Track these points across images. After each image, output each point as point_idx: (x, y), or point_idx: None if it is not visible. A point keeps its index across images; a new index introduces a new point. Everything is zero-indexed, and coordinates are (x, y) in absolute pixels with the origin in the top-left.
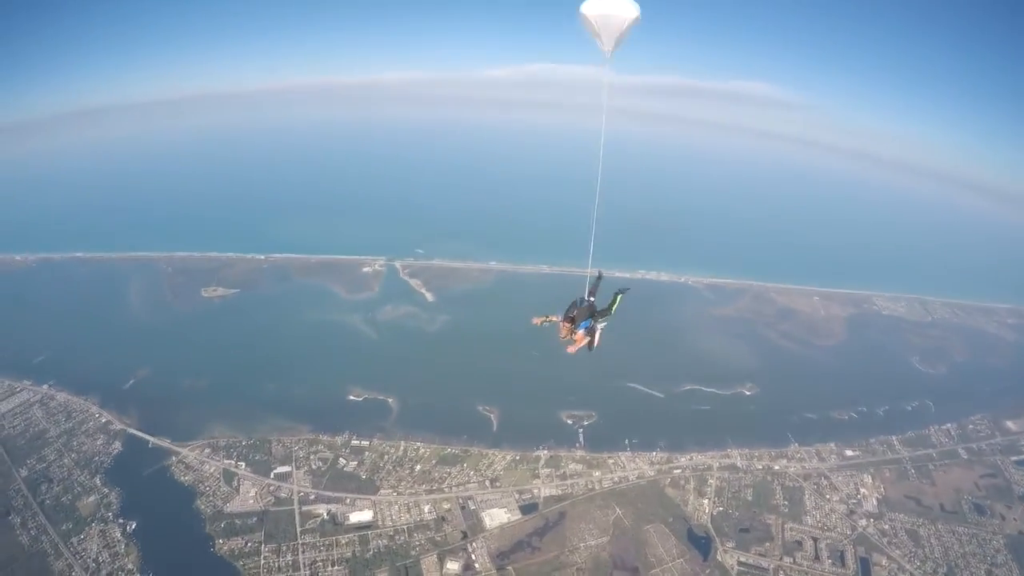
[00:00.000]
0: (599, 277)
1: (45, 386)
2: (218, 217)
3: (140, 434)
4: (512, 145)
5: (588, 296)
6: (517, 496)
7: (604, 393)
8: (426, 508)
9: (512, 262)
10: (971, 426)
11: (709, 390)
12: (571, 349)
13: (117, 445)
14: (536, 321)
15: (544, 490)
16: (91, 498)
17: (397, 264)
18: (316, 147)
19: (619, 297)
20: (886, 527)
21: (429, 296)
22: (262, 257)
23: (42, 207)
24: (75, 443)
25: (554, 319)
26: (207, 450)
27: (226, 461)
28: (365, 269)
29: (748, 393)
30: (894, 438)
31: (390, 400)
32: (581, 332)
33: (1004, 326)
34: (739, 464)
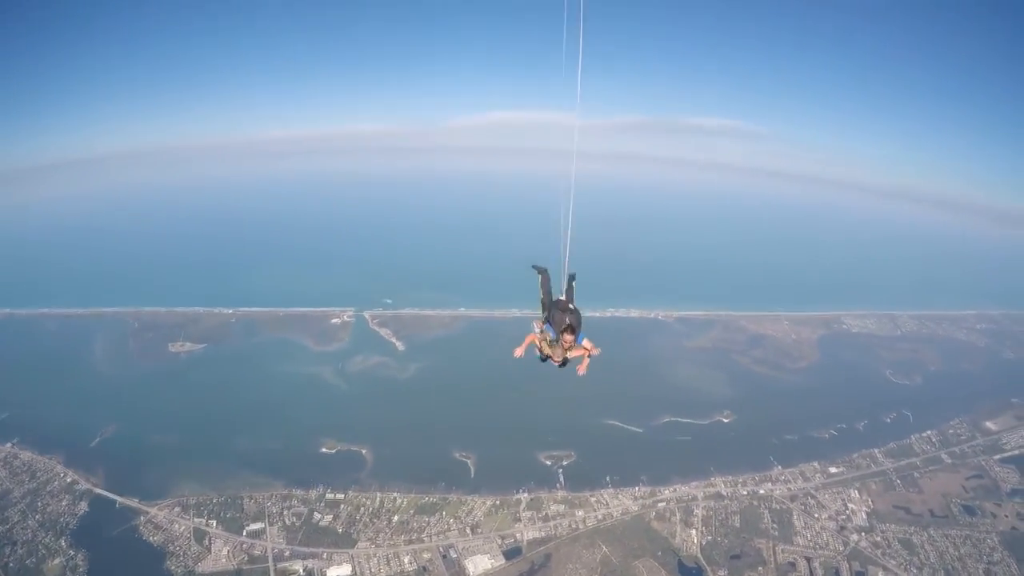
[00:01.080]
0: (573, 278)
1: (9, 445)
2: (185, 271)
3: (107, 493)
4: (478, 192)
5: (564, 298)
6: (500, 541)
7: (581, 431)
8: (406, 559)
9: (482, 308)
10: (951, 431)
11: (687, 421)
12: (582, 369)
13: (83, 505)
14: (518, 352)
15: (527, 533)
16: (57, 560)
17: (366, 314)
18: (281, 199)
19: (574, 285)
20: (878, 539)
21: (399, 345)
22: (229, 311)
23: (6, 261)
24: (40, 504)
25: (535, 338)
26: (176, 509)
27: (196, 520)
28: (334, 320)
29: (726, 421)
30: (876, 451)
31: (364, 451)
32: (586, 342)
33: (974, 332)
34: (724, 491)
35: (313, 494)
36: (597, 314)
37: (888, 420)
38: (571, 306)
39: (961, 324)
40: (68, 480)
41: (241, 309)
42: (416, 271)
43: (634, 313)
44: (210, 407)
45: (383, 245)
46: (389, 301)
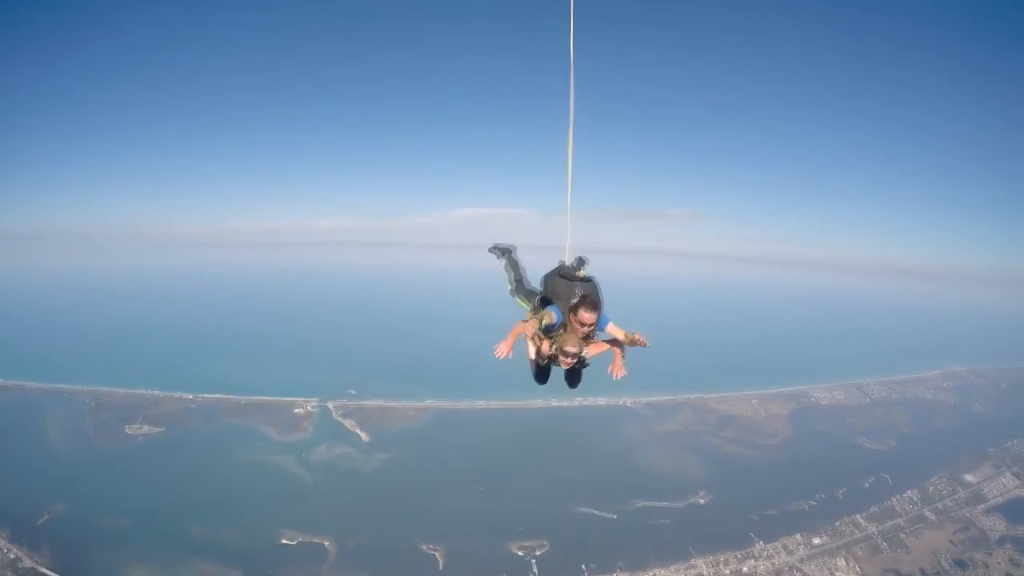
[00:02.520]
0: (583, 261)
1: None
2: (146, 353)
3: (51, 573)
4: (446, 285)
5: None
6: None
7: (553, 520)
8: None
9: (448, 399)
10: (932, 488)
11: (662, 504)
12: (618, 371)
13: None
14: (502, 350)
15: None
16: None
17: (330, 405)
18: (247, 288)
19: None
20: None
21: (364, 436)
22: (190, 396)
23: None
24: None
25: (528, 329)
26: None
27: None
28: (297, 410)
29: (702, 501)
30: (858, 516)
31: (326, 543)
32: (613, 326)
33: (941, 390)
34: (706, 572)
35: None
36: (564, 404)
37: (867, 485)
38: (582, 274)
39: (928, 384)
40: (11, 556)
41: (202, 395)
42: (381, 362)
43: (601, 401)
44: (165, 492)
45: (349, 336)
46: (353, 392)
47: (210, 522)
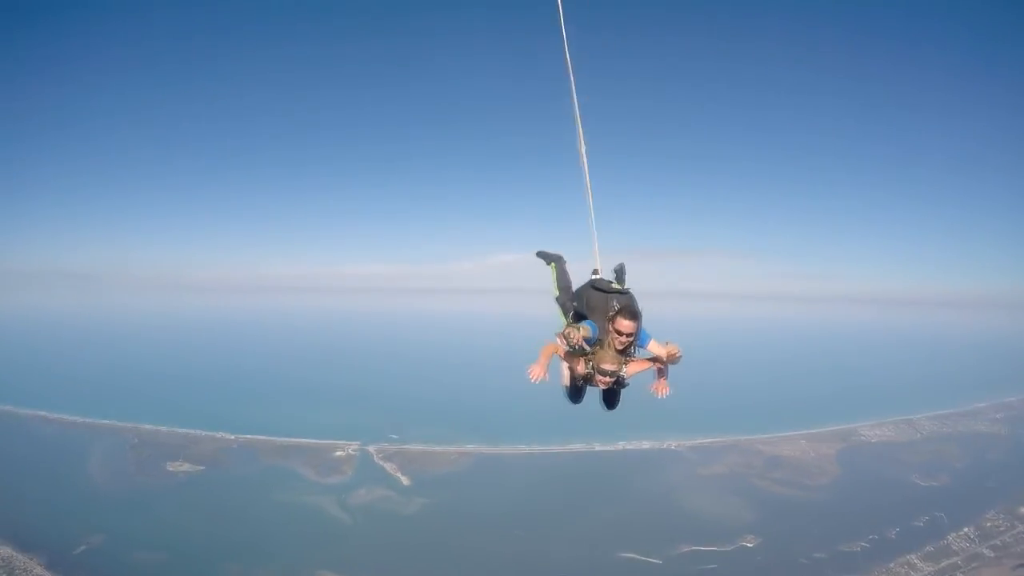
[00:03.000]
0: (621, 271)
1: None
2: (189, 393)
3: None
4: (484, 331)
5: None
6: None
7: (596, 565)
8: None
9: (491, 444)
10: (988, 524)
11: (709, 548)
12: (661, 389)
13: None
14: (537, 373)
15: None
16: None
17: (371, 448)
18: (285, 333)
19: (624, 279)
20: None
21: (405, 480)
22: (231, 436)
23: (12, 360)
24: None
25: (559, 349)
26: None
27: None
28: (337, 453)
29: (750, 545)
30: (913, 556)
31: None
32: (655, 345)
33: (994, 422)
34: None
35: None
36: (609, 447)
37: (921, 524)
38: (619, 286)
39: (980, 417)
40: None
41: (243, 436)
42: (424, 407)
43: (645, 444)
44: (203, 529)
45: (391, 381)
46: (395, 436)
47: (245, 561)
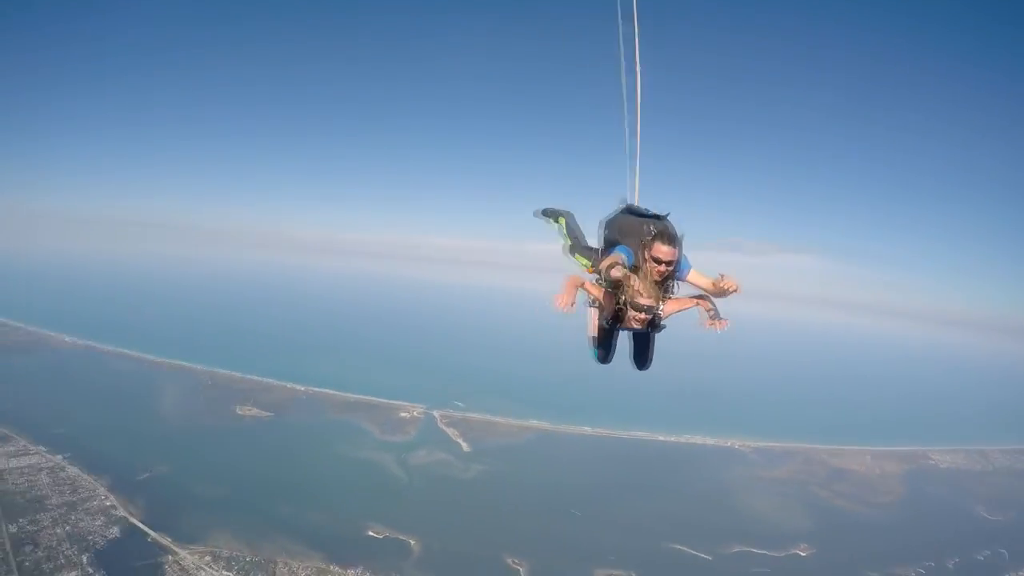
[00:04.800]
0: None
1: (59, 457)
2: (264, 344)
3: (142, 525)
4: (555, 312)
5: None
6: None
7: (644, 553)
8: None
9: (553, 422)
10: None
11: (760, 552)
12: (719, 324)
13: (115, 531)
14: (564, 303)
15: None
16: (72, 573)
17: (435, 413)
18: (366, 297)
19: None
20: None
21: (465, 446)
22: (301, 388)
23: (98, 298)
24: (73, 517)
25: (587, 284)
26: (207, 557)
27: (225, 573)
28: (403, 414)
29: (803, 554)
30: None
31: (412, 542)
32: (697, 276)
33: None
34: None
35: (351, 573)
36: (672, 439)
37: (981, 557)
38: (654, 212)
39: None
40: (107, 503)
41: (312, 388)
42: (492, 379)
43: (709, 441)
44: (264, 471)
45: (463, 351)
46: (460, 404)
47: (301, 504)
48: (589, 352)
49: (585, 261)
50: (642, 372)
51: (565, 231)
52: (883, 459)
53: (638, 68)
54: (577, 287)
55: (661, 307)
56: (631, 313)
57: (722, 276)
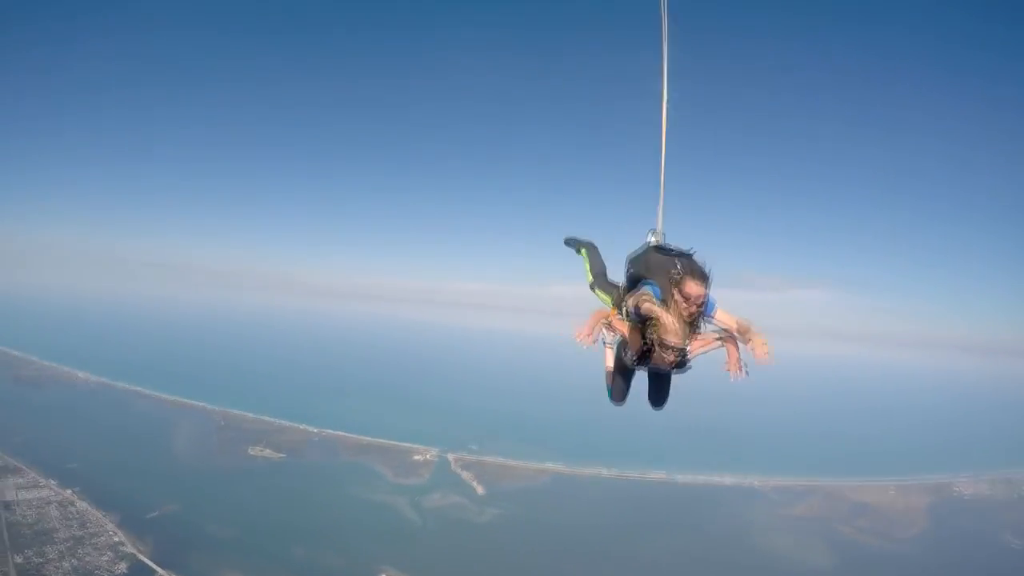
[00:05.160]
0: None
1: (69, 491)
2: (278, 386)
3: (150, 563)
4: (576, 353)
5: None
6: None
7: None
8: None
9: (569, 464)
10: None
11: None
12: (737, 368)
13: (122, 566)
14: (584, 336)
15: None
16: None
17: (449, 456)
18: (380, 341)
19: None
20: None
21: (480, 489)
22: (314, 430)
23: (112, 338)
24: (80, 551)
25: (612, 316)
26: None
27: None
28: (416, 457)
29: None
30: None
31: None
32: (724, 315)
33: None
34: None
35: None
36: (690, 479)
37: None
38: (679, 248)
39: None
40: (115, 539)
41: (326, 430)
42: (506, 422)
43: (728, 480)
44: (276, 512)
45: (477, 394)
46: (475, 447)
47: (313, 546)
48: (606, 392)
49: (607, 298)
50: (657, 412)
51: (588, 266)
52: (906, 492)
53: (665, 95)
54: (602, 321)
55: (689, 346)
56: (659, 352)
57: (764, 342)
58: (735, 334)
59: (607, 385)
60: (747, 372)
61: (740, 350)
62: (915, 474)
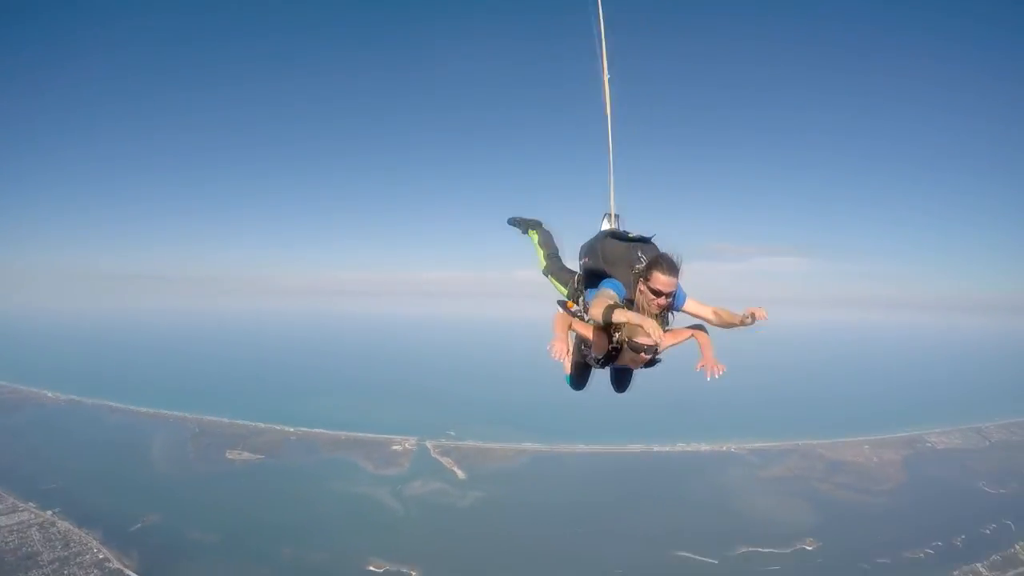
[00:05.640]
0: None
1: (49, 512)
2: (251, 388)
3: None
4: (545, 335)
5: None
6: None
7: (651, 563)
8: None
9: (547, 443)
10: None
11: (767, 550)
12: (713, 365)
13: None
14: (558, 350)
15: None
16: None
17: (428, 444)
18: (352, 335)
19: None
20: None
21: (460, 473)
22: (291, 429)
23: (77, 353)
24: (66, 572)
25: (574, 323)
26: None
27: None
28: (395, 447)
29: (810, 548)
30: (979, 565)
31: (414, 573)
32: (696, 305)
33: None
34: None
35: None
36: (666, 448)
37: (988, 531)
38: (638, 234)
39: None
40: (100, 556)
41: (302, 428)
42: (482, 407)
43: (704, 447)
44: (259, 514)
45: (451, 381)
46: (452, 433)
47: (299, 545)
48: (565, 380)
49: (562, 288)
50: (620, 395)
51: (538, 246)
52: (880, 447)
53: (605, 63)
54: (567, 329)
55: (659, 340)
56: (629, 352)
57: (751, 314)
58: (715, 326)
59: (566, 374)
60: (723, 368)
61: (712, 344)
62: (888, 430)
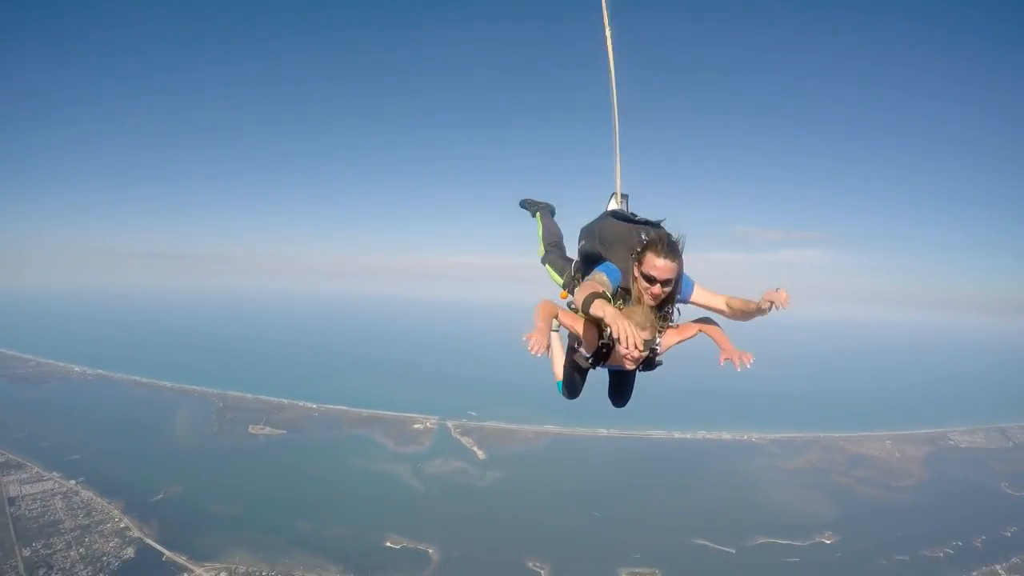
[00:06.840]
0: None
1: (73, 481)
2: (277, 366)
3: (156, 545)
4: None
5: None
6: None
7: (668, 550)
8: None
9: (568, 426)
10: None
11: (784, 542)
12: (739, 357)
13: (130, 551)
14: (535, 344)
15: None
16: None
17: (449, 424)
18: (378, 316)
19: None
20: None
21: (481, 454)
22: (314, 405)
23: (106, 329)
24: (87, 540)
25: (563, 315)
26: (223, 574)
27: None
28: (416, 426)
29: (828, 542)
30: (998, 567)
31: (431, 550)
32: (704, 295)
33: None
34: None
35: None
36: (688, 435)
37: (1008, 534)
38: (644, 218)
39: None
40: (121, 525)
41: (325, 405)
42: (505, 389)
43: (726, 436)
44: (279, 487)
45: (475, 363)
46: (474, 413)
47: (317, 519)
48: (556, 386)
49: (557, 277)
50: (619, 408)
51: (540, 233)
52: (902, 443)
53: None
54: (550, 319)
55: (659, 340)
56: (621, 352)
57: (770, 300)
58: (730, 318)
59: (557, 380)
60: (750, 356)
61: (727, 333)
62: (910, 426)
